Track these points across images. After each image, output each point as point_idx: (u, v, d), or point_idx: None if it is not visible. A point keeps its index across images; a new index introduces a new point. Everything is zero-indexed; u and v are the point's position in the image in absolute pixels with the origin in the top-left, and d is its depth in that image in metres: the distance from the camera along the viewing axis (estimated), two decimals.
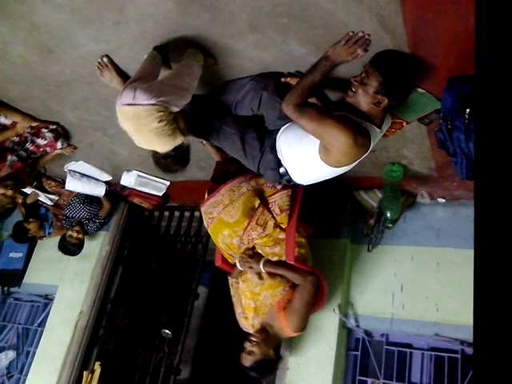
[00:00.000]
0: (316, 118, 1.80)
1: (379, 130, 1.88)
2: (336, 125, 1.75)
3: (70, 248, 3.81)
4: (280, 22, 1.78)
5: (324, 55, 1.79)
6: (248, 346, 2.40)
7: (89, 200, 3.90)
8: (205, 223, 2.70)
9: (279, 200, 2.50)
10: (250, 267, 2.46)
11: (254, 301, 2.47)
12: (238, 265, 2.52)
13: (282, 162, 2.08)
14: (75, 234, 3.80)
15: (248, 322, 2.54)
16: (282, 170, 2.10)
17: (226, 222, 2.52)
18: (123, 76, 2.33)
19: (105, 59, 2.26)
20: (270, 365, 2.44)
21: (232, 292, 2.69)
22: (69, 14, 2.01)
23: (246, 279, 2.52)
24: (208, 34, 1.95)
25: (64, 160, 3.55)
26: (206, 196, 2.67)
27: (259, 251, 2.52)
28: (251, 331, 2.52)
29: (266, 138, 2.15)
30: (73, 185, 3.71)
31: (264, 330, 2.44)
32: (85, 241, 3.88)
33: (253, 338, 2.41)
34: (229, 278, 2.71)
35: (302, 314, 2.41)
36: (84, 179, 3.73)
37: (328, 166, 1.90)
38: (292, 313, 2.39)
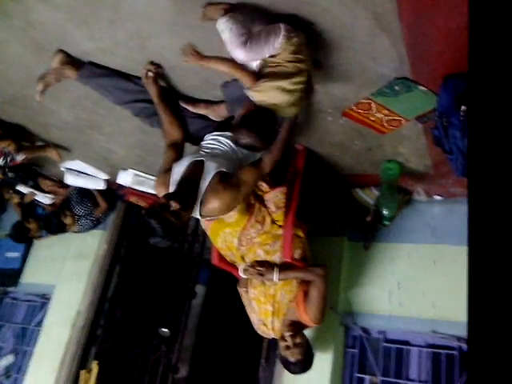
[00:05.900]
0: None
1: None
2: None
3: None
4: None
5: None
6: (290, 340, 2.41)
7: (86, 198, 3.89)
8: (203, 225, 2.68)
9: (274, 198, 2.48)
10: (262, 279, 2.45)
11: (270, 304, 2.47)
12: (241, 274, 2.50)
13: None
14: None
15: (268, 328, 2.53)
16: None
17: (225, 221, 2.51)
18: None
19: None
20: (312, 353, 2.48)
21: (244, 302, 2.66)
22: (64, 13, 2.01)
23: (257, 284, 2.51)
24: (204, 31, 1.95)
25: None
26: None
27: (260, 251, 2.50)
28: (272, 335, 2.52)
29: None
30: (72, 180, 3.72)
31: (292, 324, 2.46)
32: (70, 223, 3.91)
33: (290, 332, 2.42)
34: (238, 288, 2.67)
35: (321, 306, 2.44)
36: (82, 176, 3.73)
37: None
38: (312, 306, 2.42)
